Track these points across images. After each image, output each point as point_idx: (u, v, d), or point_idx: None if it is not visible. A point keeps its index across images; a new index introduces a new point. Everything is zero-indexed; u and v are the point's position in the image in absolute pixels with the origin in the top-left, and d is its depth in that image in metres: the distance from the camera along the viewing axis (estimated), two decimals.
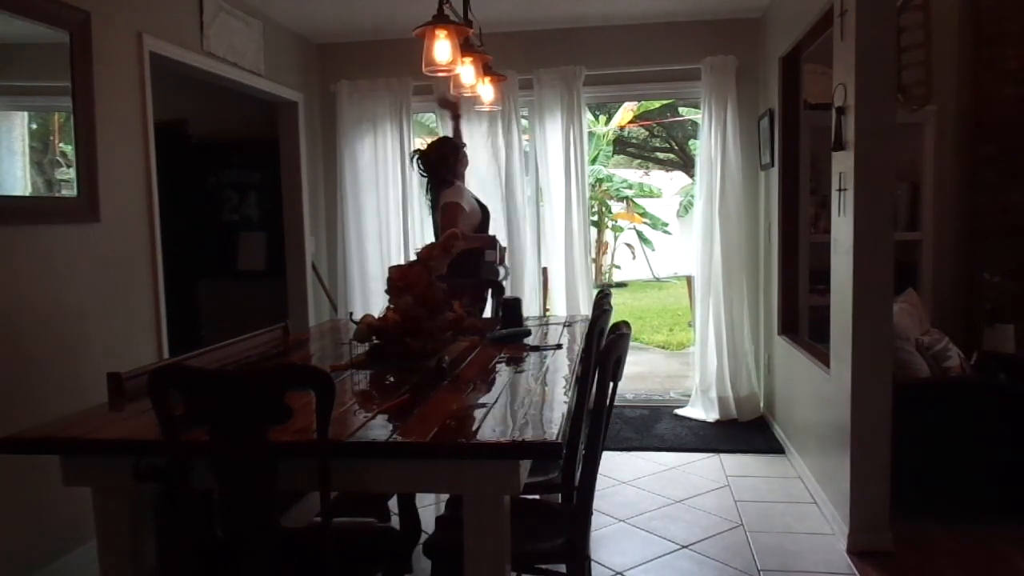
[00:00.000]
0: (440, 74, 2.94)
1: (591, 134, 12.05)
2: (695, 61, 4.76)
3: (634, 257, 14.34)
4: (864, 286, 2.90)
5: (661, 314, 10.82)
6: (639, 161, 15.73)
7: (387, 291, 2.51)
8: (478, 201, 4.16)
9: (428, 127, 8.83)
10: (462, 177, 4.16)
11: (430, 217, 4.29)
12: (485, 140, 4.89)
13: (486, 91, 3.60)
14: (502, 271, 4.05)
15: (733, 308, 4.80)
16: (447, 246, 2.64)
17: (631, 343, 2.47)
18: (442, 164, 4.06)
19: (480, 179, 4.85)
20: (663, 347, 8.56)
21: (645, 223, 13.75)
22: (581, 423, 2.12)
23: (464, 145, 4.34)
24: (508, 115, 4.85)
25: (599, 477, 2.26)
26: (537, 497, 2.38)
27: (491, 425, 1.72)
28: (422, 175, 4.16)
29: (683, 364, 7.32)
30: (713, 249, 4.82)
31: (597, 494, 2.47)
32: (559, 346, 2.76)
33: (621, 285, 13.64)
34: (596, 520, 3.14)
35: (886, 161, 2.87)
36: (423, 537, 2.37)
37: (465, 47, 3.08)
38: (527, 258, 5.02)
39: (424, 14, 2.80)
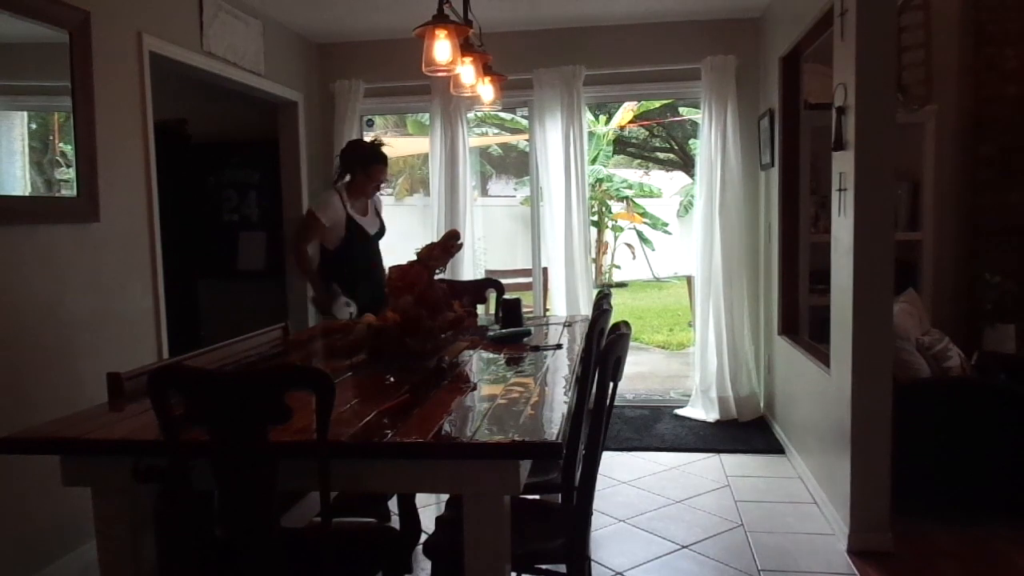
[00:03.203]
0: (440, 74, 2.94)
1: (591, 134, 12.05)
2: (695, 61, 4.76)
3: (634, 257, 14.33)
4: (864, 286, 2.90)
5: (661, 314, 10.82)
6: (639, 161, 15.72)
7: (387, 291, 2.51)
8: (354, 219, 3.92)
9: (426, 126, 8.82)
10: (363, 191, 3.97)
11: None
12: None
13: (486, 91, 3.59)
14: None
15: (733, 308, 4.80)
16: (447, 246, 2.64)
17: (631, 343, 2.47)
18: (357, 165, 3.93)
19: None
20: (663, 347, 8.56)
21: (645, 223, 13.74)
22: (581, 423, 2.12)
23: (386, 165, 4.00)
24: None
25: (599, 477, 2.26)
26: (537, 497, 2.38)
27: (491, 425, 1.72)
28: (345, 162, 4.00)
29: (683, 364, 7.32)
30: (713, 249, 4.82)
31: (597, 494, 2.46)
32: (559, 346, 2.76)
33: (621, 285, 13.63)
34: (596, 520, 3.14)
35: (886, 161, 2.87)
36: (423, 537, 2.37)
37: (465, 47, 3.08)
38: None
39: (424, 14, 2.80)
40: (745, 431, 4.59)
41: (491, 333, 2.99)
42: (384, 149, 3.97)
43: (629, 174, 14.59)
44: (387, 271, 2.61)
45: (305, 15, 4.58)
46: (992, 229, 4.15)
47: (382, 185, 4.09)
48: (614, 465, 4.00)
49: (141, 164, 3.40)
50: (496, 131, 13.32)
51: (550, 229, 5.03)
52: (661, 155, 15.46)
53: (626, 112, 12.76)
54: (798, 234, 4.20)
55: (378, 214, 4.11)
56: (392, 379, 2.22)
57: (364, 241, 3.99)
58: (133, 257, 3.34)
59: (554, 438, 1.60)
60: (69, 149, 2.96)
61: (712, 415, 4.81)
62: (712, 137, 4.77)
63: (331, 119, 5.14)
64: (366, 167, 3.92)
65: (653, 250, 14.16)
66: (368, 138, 4.25)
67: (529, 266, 5.59)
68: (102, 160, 3.08)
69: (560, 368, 2.38)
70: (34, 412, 2.64)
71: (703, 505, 3.48)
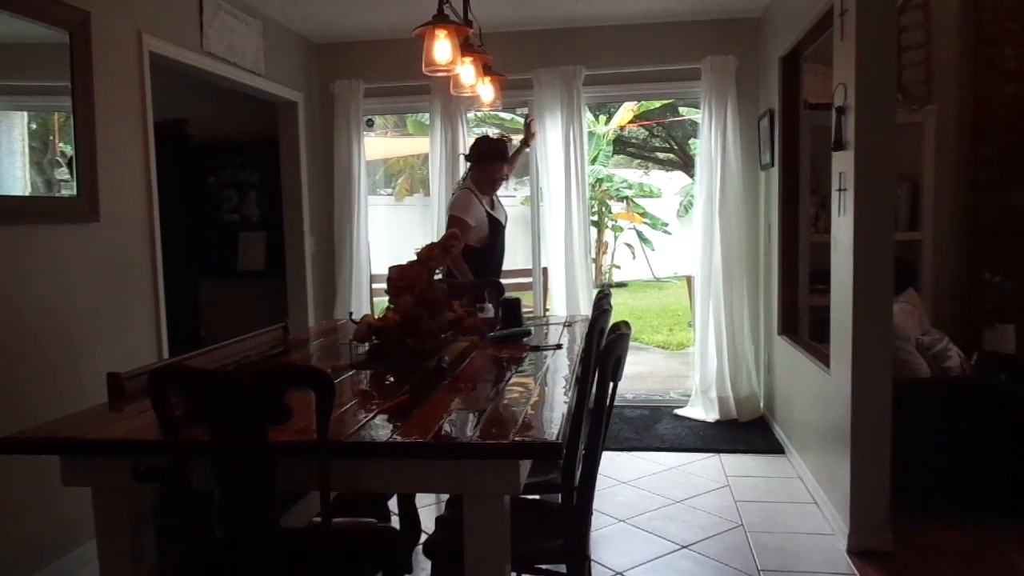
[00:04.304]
0: (440, 74, 2.94)
1: (591, 134, 12.04)
2: (695, 61, 4.76)
3: (634, 257, 14.32)
4: (864, 286, 2.90)
5: (661, 314, 10.82)
6: (639, 161, 15.71)
7: (387, 291, 2.51)
8: (490, 213, 4.06)
9: (426, 125, 8.82)
10: (486, 187, 4.07)
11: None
12: None
13: (486, 91, 3.60)
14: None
15: (733, 308, 4.80)
16: (447, 246, 2.64)
17: (631, 343, 2.47)
18: (474, 162, 4.08)
19: None
20: (663, 347, 8.56)
21: (645, 223, 13.73)
22: (581, 423, 2.12)
23: (504, 162, 4.14)
24: None
25: (599, 477, 2.26)
26: (537, 497, 2.38)
27: (491, 425, 1.72)
28: (466, 159, 4.22)
29: (683, 364, 7.32)
30: (713, 249, 4.82)
31: (597, 494, 2.46)
32: (559, 346, 2.76)
33: (621, 285, 13.62)
34: (596, 520, 3.14)
35: (886, 161, 2.87)
36: (423, 537, 2.37)
37: (465, 47, 3.08)
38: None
39: (424, 14, 2.81)
40: (745, 431, 4.59)
41: (491, 333, 2.99)
42: (500, 144, 4.11)
43: (629, 174, 14.59)
44: (388, 271, 2.61)
45: (305, 15, 4.58)
46: (992, 229, 4.14)
47: (502, 181, 4.14)
48: (614, 465, 4.00)
49: (141, 164, 3.40)
50: (496, 131, 13.32)
51: (550, 229, 5.03)
52: (661, 155, 15.45)
53: (626, 112, 12.75)
54: (798, 234, 4.20)
55: (500, 202, 4.21)
56: (392, 379, 2.22)
57: (500, 233, 4.13)
58: (133, 257, 3.34)
59: (554, 438, 1.60)
60: (69, 149, 2.96)
61: (712, 415, 4.81)
62: (712, 137, 4.77)
63: (331, 119, 5.14)
64: (484, 164, 4.03)
65: (653, 250, 14.16)
66: (492, 134, 4.44)
67: (529, 266, 5.59)
68: (102, 160, 3.08)
69: (560, 368, 2.38)
70: (34, 412, 2.64)
71: (703, 505, 3.48)
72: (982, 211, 4.17)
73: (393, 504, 2.93)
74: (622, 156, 15.21)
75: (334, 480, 1.57)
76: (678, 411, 5.01)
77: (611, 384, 1.94)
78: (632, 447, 4.35)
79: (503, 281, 3.92)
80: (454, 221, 3.92)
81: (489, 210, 4.09)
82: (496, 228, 4.12)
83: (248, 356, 2.56)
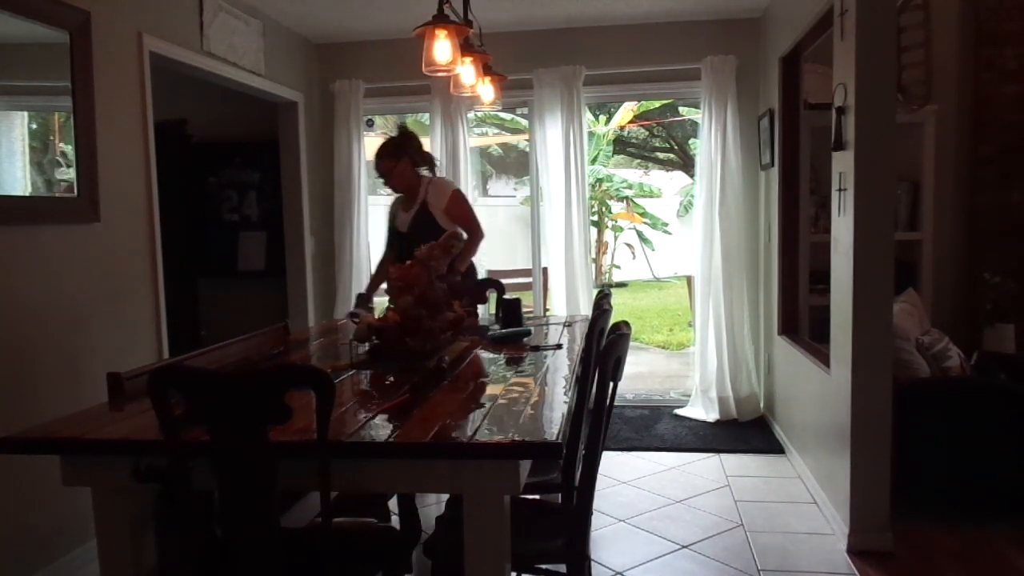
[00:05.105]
0: (440, 74, 2.94)
1: (591, 134, 12.04)
2: (695, 61, 4.76)
3: (634, 257, 14.33)
4: (864, 286, 2.90)
5: (661, 314, 10.82)
6: (639, 161, 15.72)
7: (387, 291, 2.51)
8: (393, 217, 3.96)
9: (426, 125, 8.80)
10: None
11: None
12: None
13: (486, 91, 3.60)
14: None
15: (733, 308, 4.80)
16: (447, 246, 2.65)
17: (631, 343, 2.47)
18: None
19: None
20: (663, 347, 8.56)
21: (645, 223, 13.75)
22: (581, 423, 2.12)
23: (377, 158, 3.85)
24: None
25: (599, 477, 2.26)
26: (537, 497, 2.38)
27: (491, 425, 1.72)
28: None
29: (683, 364, 7.32)
30: (713, 249, 4.82)
31: (597, 494, 2.47)
32: (559, 346, 2.76)
33: (621, 285, 13.63)
34: (596, 520, 3.14)
35: (886, 161, 2.87)
36: (423, 537, 2.37)
37: (465, 47, 3.08)
38: None
39: (424, 14, 2.81)
40: (745, 431, 4.59)
41: (491, 333, 2.99)
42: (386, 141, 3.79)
43: (629, 174, 14.60)
44: (388, 271, 2.61)
45: (305, 15, 4.58)
46: (992, 229, 4.14)
47: (389, 179, 3.79)
48: (614, 465, 4.00)
49: (141, 164, 3.40)
50: (496, 131, 13.33)
51: (550, 229, 5.03)
52: (661, 155, 15.46)
53: (626, 112, 12.76)
54: (798, 234, 4.20)
55: (424, 211, 3.77)
56: (392, 379, 2.22)
57: (399, 242, 3.81)
58: (133, 257, 3.34)
59: (554, 438, 1.60)
60: (69, 149, 2.96)
61: (712, 415, 4.81)
62: (712, 137, 4.77)
63: (331, 119, 5.14)
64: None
65: (653, 250, 14.17)
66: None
67: (529, 266, 5.60)
68: (102, 160, 3.08)
69: (560, 368, 2.38)
70: (34, 412, 2.64)
71: (703, 505, 3.48)
72: (982, 211, 4.17)
73: (393, 504, 2.93)
74: (622, 156, 15.22)
75: (334, 480, 1.57)
76: (678, 411, 5.01)
77: (611, 384, 1.94)
78: (632, 447, 4.35)
79: (504, 281, 3.92)
80: None
81: (400, 211, 3.87)
82: (392, 234, 3.91)
83: (248, 356, 2.56)
